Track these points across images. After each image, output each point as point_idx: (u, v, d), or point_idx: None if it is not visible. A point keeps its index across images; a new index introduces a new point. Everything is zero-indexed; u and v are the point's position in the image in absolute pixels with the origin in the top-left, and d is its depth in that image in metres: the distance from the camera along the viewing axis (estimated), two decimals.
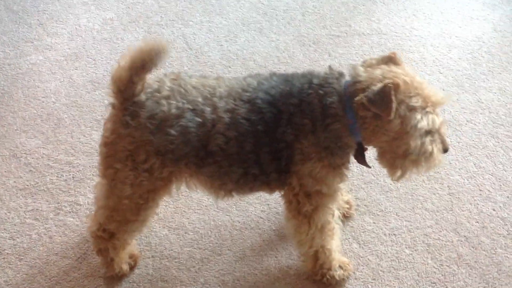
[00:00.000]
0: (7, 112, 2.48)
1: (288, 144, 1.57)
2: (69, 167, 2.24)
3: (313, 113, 1.55)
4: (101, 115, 2.44)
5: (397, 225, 2.04)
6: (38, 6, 3.05)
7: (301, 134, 1.56)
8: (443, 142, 1.58)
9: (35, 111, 2.48)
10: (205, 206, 2.11)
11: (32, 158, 2.28)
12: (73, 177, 2.21)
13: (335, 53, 2.74)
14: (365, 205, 2.10)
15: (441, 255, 1.96)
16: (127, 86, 1.53)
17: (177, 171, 1.63)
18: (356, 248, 1.98)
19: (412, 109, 1.50)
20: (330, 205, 1.71)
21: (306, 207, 1.67)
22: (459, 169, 2.21)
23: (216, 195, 1.70)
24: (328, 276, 1.84)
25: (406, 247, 1.98)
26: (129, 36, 2.86)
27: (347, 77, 1.60)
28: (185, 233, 2.04)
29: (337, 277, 1.84)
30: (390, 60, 1.58)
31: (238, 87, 1.61)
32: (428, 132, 1.53)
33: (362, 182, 2.17)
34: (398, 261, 1.94)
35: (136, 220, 1.72)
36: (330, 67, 1.63)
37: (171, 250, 1.99)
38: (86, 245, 1.99)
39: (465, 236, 2.00)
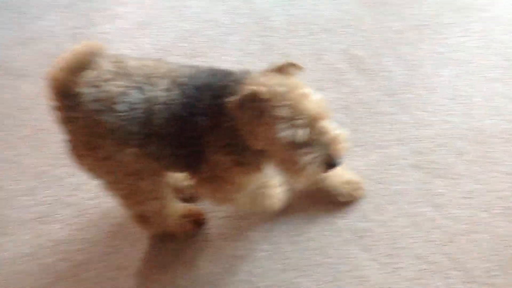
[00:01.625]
0: None
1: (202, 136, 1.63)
2: None
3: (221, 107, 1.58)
4: None
5: (472, 188, 2.01)
6: None
7: (211, 130, 1.62)
8: (327, 156, 1.55)
9: None
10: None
11: None
12: None
13: (403, 14, 2.68)
14: (438, 168, 2.07)
15: None
16: (66, 86, 1.53)
17: (130, 151, 1.63)
18: (429, 211, 1.96)
19: (276, 118, 1.50)
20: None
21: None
22: None
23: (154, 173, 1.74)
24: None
25: (482, 211, 1.95)
26: (195, 3, 2.89)
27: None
28: None
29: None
30: (281, 70, 1.58)
31: (174, 72, 1.63)
32: (301, 144, 1.52)
33: (435, 145, 2.14)
34: (474, 225, 1.92)
35: (150, 199, 1.78)
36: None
37: (243, 210, 2.03)
38: None
39: None
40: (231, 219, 2.02)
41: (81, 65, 1.52)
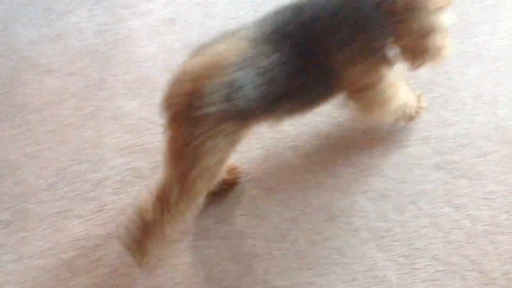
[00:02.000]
0: (108, 76, 2.60)
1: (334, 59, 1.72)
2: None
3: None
4: None
5: (494, 189, 1.97)
6: None
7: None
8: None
9: (134, 75, 2.59)
10: (295, 167, 2.13)
11: (131, 120, 2.39)
12: None
13: None
14: (460, 168, 2.03)
15: None
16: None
17: (247, 127, 1.71)
18: (449, 211, 1.93)
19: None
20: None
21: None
22: None
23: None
24: (417, 110, 2.08)
25: (503, 212, 1.91)
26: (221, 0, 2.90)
27: None
28: (274, 193, 2.07)
29: (423, 103, 2.10)
30: None
31: (267, 30, 1.68)
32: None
33: (457, 145, 2.10)
34: (494, 226, 1.88)
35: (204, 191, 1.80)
36: None
37: (261, 209, 2.04)
38: None
39: None
40: (249, 216, 2.02)
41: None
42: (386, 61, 1.76)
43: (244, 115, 1.63)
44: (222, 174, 1.87)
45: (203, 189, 1.75)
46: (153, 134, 2.32)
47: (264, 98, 1.64)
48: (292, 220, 1.99)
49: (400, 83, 1.93)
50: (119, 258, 1.99)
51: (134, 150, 2.28)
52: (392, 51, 1.75)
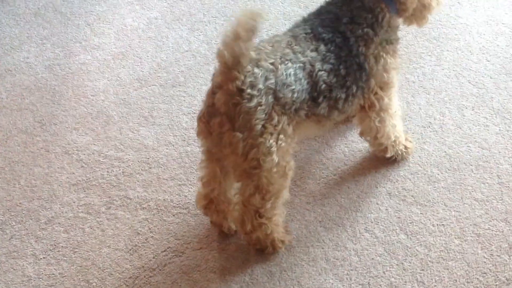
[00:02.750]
0: (58, 110, 2.56)
1: (364, 55, 1.83)
2: (119, 162, 2.31)
3: (366, 20, 1.82)
4: (148, 112, 2.50)
5: (446, 216, 2.02)
6: (85, 7, 3.13)
7: (368, 41, 1.83)
8: None
9: (85, 109, 2.56)
10: None
11: (84, 155, 2.35)
12: (123, 172, 2.27)
13: None
14: (412, 196, 2.08)
15: (492, 245, 1.93)
16: (237, 60, 1.58)
17: (296, 123, 1.75)
18: (403, 239, 1.97)
19: None
20: (396, 88, 1.99)
21: (384, 100, 1.94)
22: (508, 157, 2.17)
23: (320, 130, 1.96)
24: (404, 150, 2.15)
25: (455, 238, 1.96)
26: (173, 33, 2.91)
27: None
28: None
29: (409, 146, 2.16)
30: None
31: (299, 34, 1.79)
32: None
33: (408, 173, 2.15)
34: (448, 252, 1.92)
35: (286, 187, 1.82)
36: None
37: (220, 242, 2.02)
38: (137, 237, 2.05)
39: None
40: (206, 250, 2.00)
41: (247, 34, 1.54)
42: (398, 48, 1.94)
43: (294, 107, 1.70)
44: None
45: (282, 185, 1.79)
46: (106, 169, 2.28)
47: (308, 92, 1.73)
48: (248, 252, 1.98)
49: (399, 117, 2.09)
50: None
51: (87, 185, 2.23)
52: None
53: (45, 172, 2.30)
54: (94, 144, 2.39)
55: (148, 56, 2.81)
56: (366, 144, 2.20)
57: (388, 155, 2.13)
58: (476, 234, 1.96)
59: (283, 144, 1.71)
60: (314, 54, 1.74)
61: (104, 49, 2.88)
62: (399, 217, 2.03)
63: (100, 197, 2.19)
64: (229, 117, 1.65)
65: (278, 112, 1.67)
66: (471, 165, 2.15)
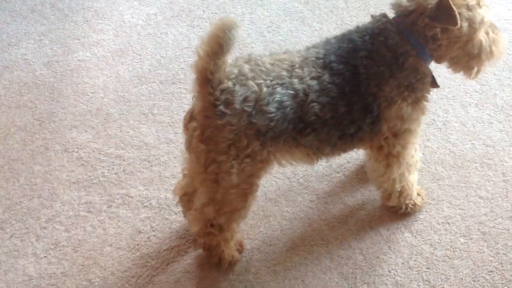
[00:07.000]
0: (57, 108, 2.53)
1: (374, 95, 1.66)
2: (119, 160, 2.28)
3: (385, 59, 1.66)
4: (148, 109, 2.47)
5: (450, 214, 2.00)
6: (83, 4, 3.10)
7: (382, 81, 1.66)
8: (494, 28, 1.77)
9: (84, 107, 2.53)
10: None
11: (84, 152, 2.32)
12: (123, 170, 2.24)
13: None
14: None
15: (497, 243, 1.91)
16: (212, 74, 1.53)
17: (274, 149, 1.65)
18: (408, 237, 1.95)
19: (472, 8, 1.64)
20: (415, 140, 1.82)
21: (397, 148, 1.78)
22: None
23: (310, 162, 1.78)
24: (410, 206, 1.97)
25: (460, 236, 1.94)
26: (172, 30, 2.89)
27: (392, 15, 1.71)
28: None
29: (419, 203, 1.98)
30: None
31: (310, 56, 1.66)
32: (488, 24, 1.69)
33: None
34: (453, 250, 1.91)
35: (243, 208, 1.74)
36: (372, 15, 1.74)
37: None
38: (139, 236, 2.02)
39: None
40: None
41: (219, 46, 1.48)
42: (424, 100, 1.74)
43: (269, 135, 1.60)
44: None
45: (238, 205, 1.73)
46: (107, 167, 2.25)
47: (292, 122, 1.61)
48: (252, 251, 1.96)
49: (414, 169, 1.92)
50: None
51: (87, 184, 2.20)
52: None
53: (44, 170, 2.26)
54: (94, 142, 2.36)
55: (147, 53, 2.78)
56: None
57: (390, 204, 1.97)
58: (481, 232, 1.94)
59: (248, 168, 1.63)
60: (313, 82, 1.61)
61: (102, 45, 2.84)
62: (404, 215, 2.01)
63: (101, 196, 2.16)
64: (202, 126, 1.61)
65: (250, 135, 1.59)
66: (476, 163, 2.14)
